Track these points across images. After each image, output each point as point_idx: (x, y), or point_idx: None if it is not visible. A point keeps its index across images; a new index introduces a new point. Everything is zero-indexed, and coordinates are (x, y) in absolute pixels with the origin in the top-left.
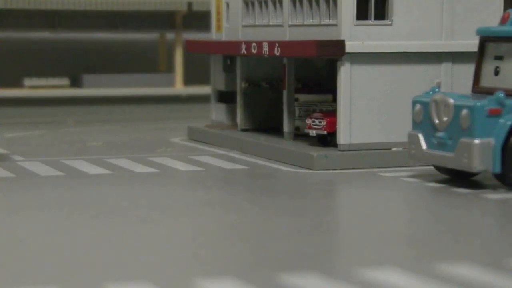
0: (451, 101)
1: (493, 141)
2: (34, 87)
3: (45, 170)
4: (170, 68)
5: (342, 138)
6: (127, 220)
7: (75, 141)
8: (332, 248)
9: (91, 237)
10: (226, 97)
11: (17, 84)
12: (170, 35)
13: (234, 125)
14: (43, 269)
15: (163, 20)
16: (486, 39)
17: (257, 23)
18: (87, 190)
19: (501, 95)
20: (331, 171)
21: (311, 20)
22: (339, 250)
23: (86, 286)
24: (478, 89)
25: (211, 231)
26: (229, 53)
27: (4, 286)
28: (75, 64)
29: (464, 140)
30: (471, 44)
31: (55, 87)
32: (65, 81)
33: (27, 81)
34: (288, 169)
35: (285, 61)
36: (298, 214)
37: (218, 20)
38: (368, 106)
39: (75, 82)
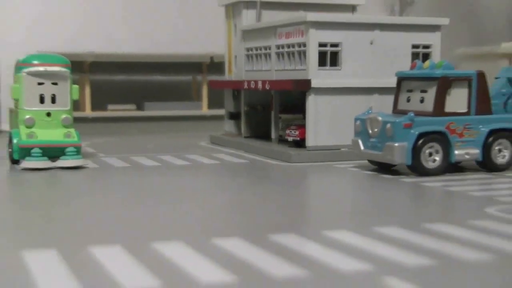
0: (380, 118)
1: (407, 144)
2: (113, 110)
3: (118, 163)
4: (199, 98)
5: (309, 142)
6: (169, 197)
7: (138, 144)
8: (303, 216)
9: (144, 207)
10: (234, 116)
11: (103, 108)
12: (199, 77)
13: (239, 134)
14: (109, 230)
15: (195, 68)
16: (402, 79)
17: (254, 68)
18: (144, 176)
19: (412, 115)
20: (302, 164)
21: (289, 67)
22: (308, 218)
23: (137, 243)
24: (396, 111)
25: (223, 204)
26: (236, 88)
27: (81, 244)
28: (140, 96)
29: (388, 143)
30: (391, 82)
31: (126, 110)
32: (133, 106)
33: (110, 107)
34: (275, 162)
35: (272, 92)
36: (281, 193)
37: (230, 67)
38: (326, 122)
39: (139, 107)
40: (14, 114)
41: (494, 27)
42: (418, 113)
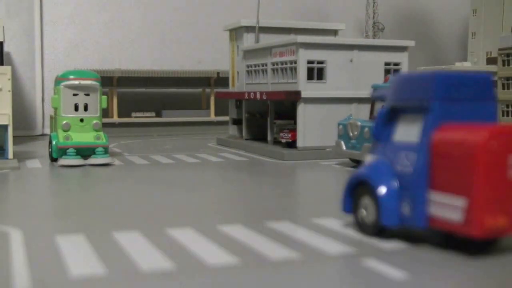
0: (359, 123)
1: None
2: (136, 117)
3: (139, 161)
4: (208, 107)
5: (300, 143)
6: (182, 188)
7: (157, 145)
8: (294, 205)
9: (161, 198)
10: (237, 122)
11: (128, 115)
12: (208, 90)
13: (241, 137)
14: (130, 217)
15: (204, 82)
16: (377, 90)
17: (253, 82)
18: (161, 171)
19: None
20: (293, 161)
21: (283, 80)
22: (299, 206)
23: (153, 229)
24: (372, 117)
25: (226, 195)
26: (239, 98)
27: (106, 229)
28: (158, 105)
29: (366, 144)
30: (368, 93)
31: (147, 117)
32: (153, 114)
33: (133, 114)
34: (270, 160)
35: (268, 102)
36: (275, 185)
37: (233, 81)
38: (313, 126)
39: (158, 114)
40: (53, 120)
41: (448, 49)
42: None
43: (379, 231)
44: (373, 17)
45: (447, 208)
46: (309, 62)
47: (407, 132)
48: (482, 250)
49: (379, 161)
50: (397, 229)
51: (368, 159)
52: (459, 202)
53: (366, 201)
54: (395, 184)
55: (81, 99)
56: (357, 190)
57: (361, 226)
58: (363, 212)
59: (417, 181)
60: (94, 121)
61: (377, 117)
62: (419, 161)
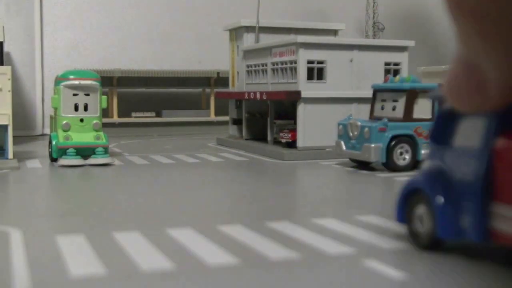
0: (359, 123)
1: (382, 145)
2: (136, 117)
3: (139, 161)
4: (208, 107)
5: (300, 143)
6: (182, 189)
7: (157, 145)
8: (294, 205)
9: (160, 198)
10: (237, 122)
11: (128, 115)
12: (207, 90)
13: (241, 137)
14: (130, 218)
15: (204, 82)
16: (377, 90)
17: (253, 82)
18: (161, 171)
19: (386, 120)
20: (293, 161)
21: (283, 80)
22: (299, 206)
23: (153, 229)
24: (372, 117)
25: (226, 195)
26: (239, 98)
27: (106, 229)
28: (158, 105)
29: (366, 144)
30: (368, 93)
31: (147, 117)
32: (153, 114)
33: (133, 114)
34: (270, 160)
35: (268, 102)
36: (275, 185)
37: (233, 81)
38: (313, 126)
39: (158, 114)
40: (53, 120)
41: (448, 49)
42: (391, 119)
43: (434, 243)
44: (373, 17)
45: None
46: (309, 62)
47: (468, 136)
48: None
49: (436, 167)
50: (454, 242)
51: (425, 165)
52: None
53: (421, 211)
54: (454, 193)
55: (81, 99)
56: (411, 199)
57: (414, 237)
58: (417, 223)
59: (478, 191)
60: (94, 121)
61: (436, 118)
62: (481, 168)
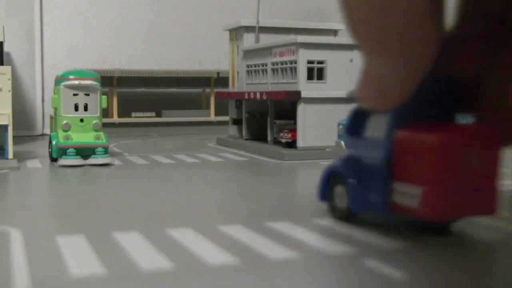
0: None
1: None
2: (136, 117)
3: (139, 161)
4: (208, 107)
5: (300, 143)
6: (182, 188)
7: (157, 145)
8: (294, 205)
9: (160, 198)
10: (237, 122)
11: (128, 115)
12: (208, 90)
13: (241, 137)
14: (130, 218)
15: (204, 81)
16: None
17: (253, 82)
18: (161, 171)
19: None
20: (293, 161)
21: (283, 80)
22: (299, 206)
23: (153, 229)
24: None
25: (226, 195)
26: (239, 98)
27: (106, 229)
28: (158, 105)
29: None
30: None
31: (147, 117)
32: (153, 114)
33: (133, 114)
34: (270, 160)
35: (268, 102)
36: (275, 185)
37: (233, 81)
38: (313, 126)
39: (158, 114)
40: (53, 120)
41: None
42: None
43: (349, 216)
44: None
45: (408, 195)
46: (309, 62)
47: (375, 129)
48: (438, 232)
49: (351, 155)
50: (365, 214)
51: (342, 153)
52: (418, 190)
53: (339, 190)
54: (364, 175)
55: (81, 99)
56: (331, 181)
57: (334, 212)
58: (336, 200)
59: (382, 173)
60: (94, 121)
61: (350, 115)
62: (384, 155)
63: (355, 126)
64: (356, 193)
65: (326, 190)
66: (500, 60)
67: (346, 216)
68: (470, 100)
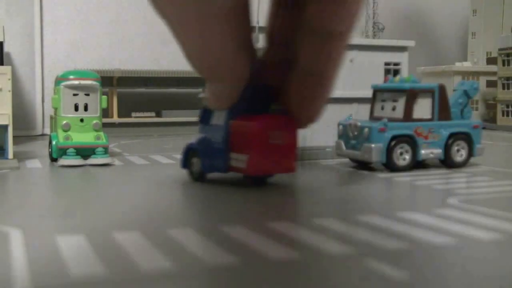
0: (359, 123)
1: (382, 145)
2: (137, 117)
3: (139, 161)
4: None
5: (300, 143)
6: (181, 188)
7: (157, 145)
8: (294, 205)
9: (160, 198)
10: None
11: (128, 115)
12: None
13: None
14: (130, 218)
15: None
16: (376, 90)
17: None
18: (160, 170)
19: (385, 120)
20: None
21: None
22: (299, 206)
23: (153, 229)
24: (372, 118)
25: (226, 195)
26: None
27: (106, 229)
28: (158, 105)
29: (366, 144)
30: (368, 93)
31: (147, 117)
32: (152, 114)
33: (133, 114)
34: None
35: None
36: (276, 185)
37: None
38: (313, 126)
39: (158, 114)
40: (53, 120)
41: (448, 49)
42: (391, 119)
43: (201, 176)
44: (373, 17)
45: (239, 161)
46: None
47: (217, 119)
48: (258, 183)
49: (202, 136)
50: (212, 174)
51: (198, 134)
52: (244, 157)
53: (195, 160)
54: (210, 149)
55: (81, 99)
56: (189, 154)
57: (191, 175)
58: (192, 167)
59: (222, 147)
60: (94, 121)
61: (201, 110)
62: (223, 135)
63: (205, 117)
64: (205, 161)
65: (186, 161)
66: (290, 74)
67: (200, 177)
68: (277, 99)
